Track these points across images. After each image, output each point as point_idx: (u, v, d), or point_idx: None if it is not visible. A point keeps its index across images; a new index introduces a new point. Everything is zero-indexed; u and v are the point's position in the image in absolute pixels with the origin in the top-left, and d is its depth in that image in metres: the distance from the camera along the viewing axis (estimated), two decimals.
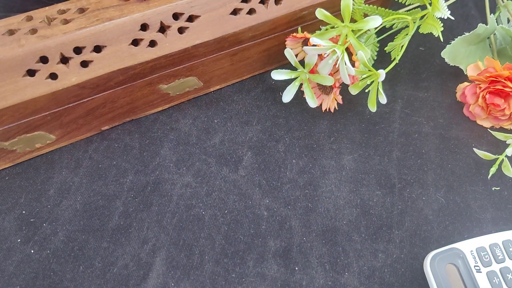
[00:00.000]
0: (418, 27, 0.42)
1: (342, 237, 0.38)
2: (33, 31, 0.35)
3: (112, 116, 0.42)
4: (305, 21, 0.44)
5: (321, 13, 0.38)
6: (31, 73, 0.35)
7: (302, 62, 0.44)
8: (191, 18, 0.39)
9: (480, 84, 0.43)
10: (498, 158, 0.40)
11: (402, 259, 0.37)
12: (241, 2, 0.40)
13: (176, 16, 0.39)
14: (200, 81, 0.44)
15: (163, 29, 0.38)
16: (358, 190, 0.40)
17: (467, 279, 0.33)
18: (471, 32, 0.43)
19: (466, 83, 0.44)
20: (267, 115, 0.44)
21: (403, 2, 0.43)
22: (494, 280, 0.33)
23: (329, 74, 0.40)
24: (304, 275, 0.36)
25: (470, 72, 0.44)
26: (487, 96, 0.42)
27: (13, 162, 0.40)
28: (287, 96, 0.43)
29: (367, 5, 0.42)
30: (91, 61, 0.36)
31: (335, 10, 0.44)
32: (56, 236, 0.37)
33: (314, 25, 0.45)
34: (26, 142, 0.38)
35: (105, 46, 0.37)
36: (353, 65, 0.39)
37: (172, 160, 0.41)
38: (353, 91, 0.40)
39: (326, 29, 0.42)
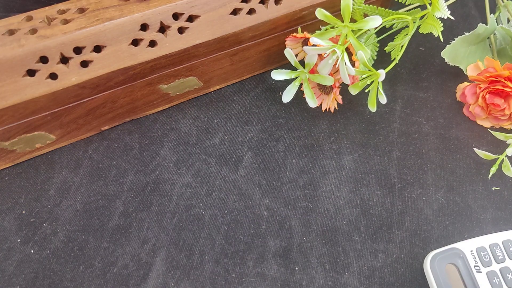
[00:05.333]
0: (418, 27, 0.42)
1: (342, 237, 0.38)
2: (33, 31, 0.35)
3: (112, 116, 0.42)
4: (305, 21, 0.44)
5: (321, 13, 0.38)
6: (31, 73, 0.35)
7: (302, 62, 0.44)
8: (191, 18, 0.39)
9: (480, 84, 0.43)
10: (498, 158, 0.40)
11: (402, 259, 0.37)
12: (241, 2, 0.40)
13: (176, 16, 0.39)
14: (200, 81, 0.44)
15: (163, 29, 0.38)
16: (358, 190, 0.40)
17: (467, 279, 0.33)
18: (471, 32, 0.43)
19: (466, 83, 0.44)
20: (267, 115, 0.44)
21: (403, 2, 0.43)
22: (494, 280, 0.33)
23: (329, 74, 0.40)
24: (304, 275, 0.36)
25: (470, 72, 0.44)
26: (487, 96, 0.42)
27: (13, 162, 0.40)
28: (287, 96, 0.43)
29: (367, 5, 0.42)
30: (91, 61, 0.36)
31: (335, 10, 0.44)
32: (56, 236, 0.37)
33: (314, 25, 0.45)
34: (26, 142, 0.38)
35: (105, 46, 0.37)
36: (353, 65, 0.39)
37: (172, 160, 0.41)
38: (353, 91, 0.40)
39: (326, 29, 0.42)
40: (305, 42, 0.42)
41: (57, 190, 0.39)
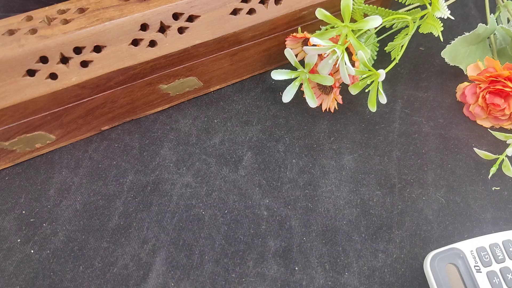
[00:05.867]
0: (418, 27, 0.42)
1: (342, 237, 0.38)
2: (33, 31, 0.35)
3: (112, 116, 0.42)
4: (305, 21, 0.44)
5: (321, 13, 0.38)
6: (31, 73, 0.35)
7: (302, 62, 0.44)
8: (191, 18, 0.39)
9: (480, 84, 0.43)
10: (498, 158, 0.40)
11: (402, 259, 0.37)
12: (241, 2, 0.40)
13: (176, 16, 0.39)
14: (200, 81, 0.44)
15: (163, 29, 0.38)
16: (358, 190, 0.40)
17: (467, 279, 0.33)
18: (471, 32, 0.43)
19: (466, 83, 0.45)
20: (267, 115, 0.44)
21: (403, 2, 0.43)
22: (494, 280, 0.33)
23: (329, 74, 0.40)
24: (304, 275, 0.36)
25: (470, 72, 0.44)
26: (487, 96, 0.42)
27: (13, 162, 0.40)
28: (287, 96, 0.43)
29: (367, 5, 0.42)
30: (91, 61, 0.36)
31: (335, 10, 0.44)
32: (56, 236, 0.37)
33: (314, 25, 0.45)
34: (26, 142, 0.38)
35: (105, 46, 0.37)
36: (353, 65, 0.39)
37: (172, 160, 0.41)
38: (353, 91, 0.40)
39: (326, 29, 0.42)
40: (305, 42, 0.42)
41: (57, 190, 0.39)
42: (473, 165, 0.42)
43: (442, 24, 0.39)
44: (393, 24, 0.44)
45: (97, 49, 0.37)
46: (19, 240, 0.37)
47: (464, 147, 0.43)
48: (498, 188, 0.40)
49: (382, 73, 0.38)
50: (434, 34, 0.40)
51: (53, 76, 0.36)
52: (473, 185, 0.41)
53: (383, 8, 0.42)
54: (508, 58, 0.46)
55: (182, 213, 0.38)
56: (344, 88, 0.45)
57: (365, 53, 0.37)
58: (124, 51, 0.37)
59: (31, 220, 0.38)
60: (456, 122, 0.44)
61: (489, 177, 0.41)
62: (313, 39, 0.37)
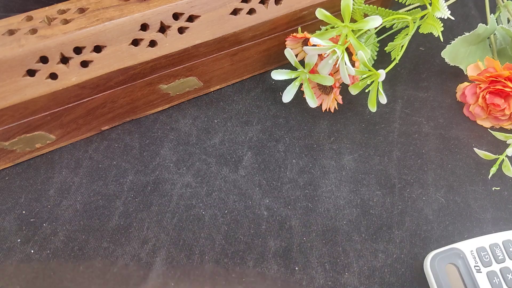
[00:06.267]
0: (418, 27, 0.42)
1: (342, 237, 0.38)
2: (33, 31, 0.35)
3: (112, 116, 0.42)
4: (305, 21, 0.44)
5: (321, 13, 0.38)
6: (31, 73, 0.35)
7: (302, 62, 0.44)
8: (191, 18, 0.39)
9: (480, 84, 0.43)
10: (498, 158, 0.40)
11: (402, 259, 0.37)
12: (241, 2, 0.40)
13: (176, 16, 0.39)
14: (200, 81, 0.44)
15: (163, 29, 0.38)
16: (358, 190, 0.40)
17: (467, 279, 0.33)
18: (471, 32, 0.43)
19: (466, 83, 0.45)
20: (267, 115, 0.44)
21: (403, 2, 0.43)
22: (494, 280, 0.33)
23: (329, 74, 0.40)
24: (304, 275, 0.36)
25: (470, 72, 0.44)
26: (487, 96, 0.42)
27: (13, 162, 0.40)
28: (287, 96, 0.43)
29: (367, 5, 0.42)
30: (91, 61, 0.36)
31: (335, 10, 0.44)
32: (56, 236, 0.37)
33: (314, 25, 0.45)
34: (26, 142, 0.38)
35: (105, 46, 0.37)
36: (353, 65, 0.39)
37: (172, 160, 0.41)
38: (353, 91, 0.40)
39: (326, 29, 0.42)
40: (305, 42, 0.42)
41: (57, 190, 0.39)
42: (473, 165, 0.42)
43: (442, 24, 0.39)
44: (393, 24, 0.45)
45: (97, 49, 0.37)
46: (19, 240, 0.37)
47: (464, 147, 0.43)
48: (498, 188, 0.40)
49: (382, 73, 0.38)
50: (434, 34, 0.40)
51: (53, 76, 0.36)
52: (473, 185, 0.41)
53: (383, 8, 0.42)
54: (508, 58, 0.46)
55: (182, 213, 0.38)
56: (344, 88, 0.45)
57: (365, 53, 0.37)
58: (124, 51, 0.37)
59: (31, 220, 0.38)
60: (456, 122, 0.44)
61: (489, 177, 0.41)
62: (313, 39, 0.37)
